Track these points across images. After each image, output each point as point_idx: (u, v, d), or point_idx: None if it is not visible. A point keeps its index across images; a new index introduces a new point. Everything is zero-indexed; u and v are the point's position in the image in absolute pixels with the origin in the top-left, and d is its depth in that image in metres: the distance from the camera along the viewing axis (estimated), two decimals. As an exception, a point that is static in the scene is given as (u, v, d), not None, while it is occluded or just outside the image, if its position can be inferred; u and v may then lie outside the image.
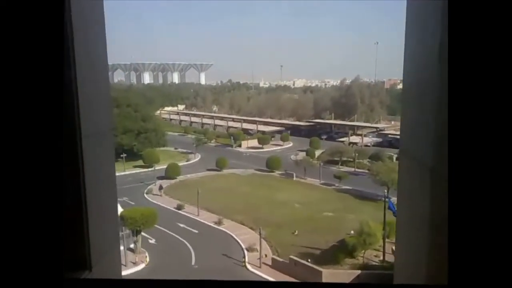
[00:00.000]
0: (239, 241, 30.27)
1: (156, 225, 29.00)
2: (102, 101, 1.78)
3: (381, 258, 25.44)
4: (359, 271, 23.65)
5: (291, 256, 25.58)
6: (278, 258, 26.46)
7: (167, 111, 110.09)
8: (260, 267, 26.16)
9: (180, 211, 36.74)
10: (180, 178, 47.56)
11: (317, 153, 55.56)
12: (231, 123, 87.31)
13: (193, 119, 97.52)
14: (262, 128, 79.38)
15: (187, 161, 57.52)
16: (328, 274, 23.67)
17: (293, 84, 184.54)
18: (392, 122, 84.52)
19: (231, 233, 31.77)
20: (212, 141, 70.57)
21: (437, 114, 1.45)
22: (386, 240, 25.57)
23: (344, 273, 23.95)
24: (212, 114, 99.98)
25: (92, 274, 1.62)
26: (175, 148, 64.60)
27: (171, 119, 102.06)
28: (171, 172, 47.23)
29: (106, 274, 1.84)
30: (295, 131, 76.16)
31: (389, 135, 70.64)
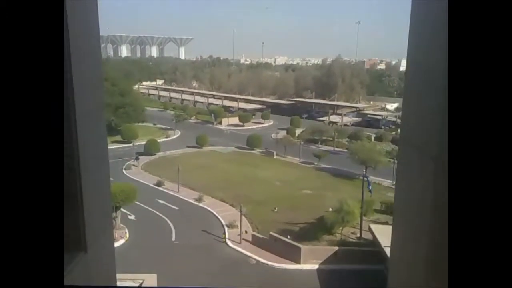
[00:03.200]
0: (219, 217, 30.51)
1: (135, 201, 28.78)
2: (95, 78, 1.73)
3: (358, 235, 26.22)
4: (336, 248, 24.36)
5: (271, 233, 26.02)
6: (258, 235, 26.86)
7: (145, 86, 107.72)
8: (240, 243, 26.54)
9: (160, 188, 36.54)
10: (160, 154, 47.10)
11: (298, 131, 55.91)
12: (211, 100, 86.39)
13: (173, 94, 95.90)
14: (243, 105, 78.99)
15: (166, 137, 56.86)
16: (307, 250, 24.29)
17: (274, 62, 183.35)
18: (371, 102, 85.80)
19: (211, 210, 31.94)
20: (192, 118, 69.78)
21: (443, 102, 1.41)
22: (363, 218, 26.35)
23: (322, 249, 24.63)
24: (192, 90, 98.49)
25: (88, 256, 1.60)
26: (154, 124, 63.63)
27: (149, 94, 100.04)
28: (150, 148, 46.65)
29: (101, 255, 1.83)
30: (276, 109, 76.15)
31: (368, 115, 71.77)
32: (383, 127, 62.94)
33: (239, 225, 27.51)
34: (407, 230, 1.88)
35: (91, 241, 1.61)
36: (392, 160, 39.68)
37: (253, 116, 69.99)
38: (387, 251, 20.77)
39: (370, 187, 27.20)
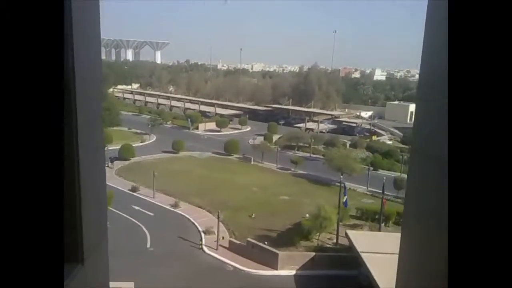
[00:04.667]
0: (196, 224, 30.12)
1: (109, 208, 28.00)
2: (95, 84, 1.68)
3: (334, 241, 26.49)
4: (313, 253, 24.50)
5: (249, 239, 25.90)
6: (235, 241, 26.68)
7: (120, 89, 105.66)
8: (217, 249, 26.26)
9: (134, 193, 35.76)
10: (135, 159, 46.17)
11: (275, 138, 56.21)
12: (188, 105, 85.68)
13: (148, 99, 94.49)
14: (220, 111, 78.73)
15: (141, 142, 55.85)
16: (284, 256, 24.30)
17: (252, 68, 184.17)
18: (346, 110, 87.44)
19: (188, 216, 31.50)
20: (168, 122, 68.92)
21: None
22: (339, 223, 26.66)
23: (300, 255, 24.71)
24: (168, 95, 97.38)
25: (84, 268, 1.57)
26: (129, 128, 62.42)
27: (124, 98, 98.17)
28: (125, 153, 45.65)
29: (97, 267, 1.81)
30: (253, 115, 76.35)
31: (343, 123, 73.10)
32: (357, 134, 64.21)
33: (216, 231, 27.24)
34: (416, 239, 1.88)
35: (87, 253, 1.58)
36: (366, 166, 40.57)
37: (231, 122, 69.88)
38: (363, 256, 21.08)
39: (346, 197, 27.49)
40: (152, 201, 34.21)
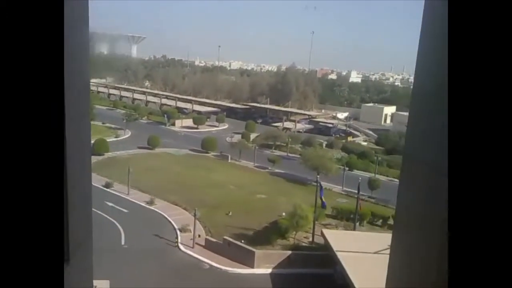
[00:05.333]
0: (171, 221, 29.73)
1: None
2: (83, 80, 1.65)
3: (310, 239, 26.78)
4: (289, 252, 24.67)
5: (225, 237, 25.79)
6: (211, 239, 26.51)
7: (94, 83, 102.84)
8: (193, 247, 26.02)
9: (108, 190, 34.89)
10: (108, 154, 45.08)
11: (252, 136, 56.25)
12: (164, 101, 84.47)
13: (123, 93, 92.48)
14: (197, 108, 78.05)
15: (116, 137, 54.60)
16: (260, 254, 24.36)
17: (229, 66, 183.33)
18: (323, 111, 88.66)
19: (163, 213, 31.05)
20: (143, 118, 67.69)
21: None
22: (316, 222, 26.97)
23: (276, 254, 24.84)
24: (144, 90, 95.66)
25: (70, 267, 1.55)
26: (103, 123, 60.84)
27: (98, 92, 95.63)
28: (98, 148, 44.40)
29: (81, 266, 1.81)
30: (231, 113, 76.12)
31: (320, 123, 74.06)
32: (334, 135, 65.21)
33: (192, 229, 26.98)
34: (407, 242, 1.90)
35: (73, 252, 1.56)
36: (342, 167, 41.24)
37: (208, 119, 69.38)
38: (339, 255, 21.42)
39: (322, 193, 27.81)
40: (127, 198, 33.52)
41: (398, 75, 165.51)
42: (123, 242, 26.00)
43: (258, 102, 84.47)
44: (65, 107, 1.28)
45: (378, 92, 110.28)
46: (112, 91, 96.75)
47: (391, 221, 29.49)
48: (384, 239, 24.34)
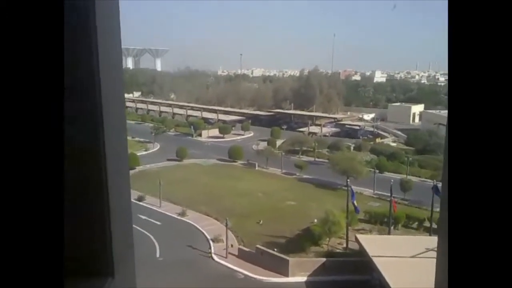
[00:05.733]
0: (204, 232, 30.03)
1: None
2: (118, 90, 1.64)
3: (345, 245, 26.35)
4: (324, 259, 24.36)
5: (258, 246, 25.79)
6: (244, 248, 26.57)
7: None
8: (226, 257, 26.15)
9: (140, 203, 35.68)
10: (139, 168, 46.12)
11: (278, 142, 56.17)
12: (190, 112, 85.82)
13: (150, 106, 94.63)
14: (222, 117, 78.83)
15: (145, 150, 55.90)
16: (294, 263, 24.18)
17: (252, 73, 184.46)
18: (348, 113, 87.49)
19: (195, 224, 31.42)
20: (171, 130, 68.99)
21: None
22: (349, 228, 26.54)
23: (310, 261, 24.58)
24: (170, 102, 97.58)
25: (115, 282, 1.51)
26: (132, 137, 62.40)
27: (126, 107, 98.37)
28: (129, 162, 45.57)
29: (127, 280, 1.76)
30: (255, 120, 76.39)
31: (346, 125, 73.10)
32: (361, 137, 64.17)
33: (224, 239, 27.15)
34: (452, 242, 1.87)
35: (117, 265, 1.52)
36: (372, 169, 40.46)
37: (233, 128, 69.91)
38: (375, 260, 20.96)
39: (355, 202, 27.30)
40: (159, 210, 34.15)
41: (424, 72, 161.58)
42: (158, 255, 26.46)
43: (282, 108, 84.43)
44: (103, 122, 1.31)
45: (404, 91, 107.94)
46: (139, 105, 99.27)
47: (426, 223, 28.63)
48: (420, 242, 23.67)
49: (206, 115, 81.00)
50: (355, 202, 27.08)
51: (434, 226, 27.64)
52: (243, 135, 67.76)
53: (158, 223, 31.65)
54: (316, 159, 49.67)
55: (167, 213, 33.56)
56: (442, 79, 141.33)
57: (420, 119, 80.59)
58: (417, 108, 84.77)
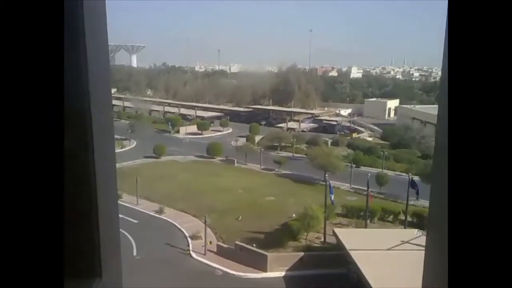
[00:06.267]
0: (182, 229, 29.77)
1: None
2: (106, 89, 1.62)
3: (322, 239, 26.66)
4: (302, 253, 24.58)
5: (237, 242, 25.77)
6: (223, 245, 26.50)
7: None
8: (205, 254, 26.02)
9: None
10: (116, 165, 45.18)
11: (257, 138, 56.22)
12: (167, 108, 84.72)
13: (126, 103, 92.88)
14: (200, 113, 78.21)
15: (121, 147, 54.76)
16: (273, 258, 24.30)
17: (229, 69, 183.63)
18: (326, 108, 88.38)
19: (173, 222, 31.10)
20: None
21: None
22: (326, 222, 26.87)
23: (288, 256, 24.76)
24: (147, 99, 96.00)
25: (103, 283, 1.49)
26: (108, 134, 61.08)
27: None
28: (105, 160, 44.69)
29: (114, 281, 1.74)
30: (234, 116, 76.16)
31: (324, 121, 73.87)
32: (338, 132, 64.99)
33: (203, 236, 26.98)
34: (441, 238, 1.88)
35: (105, 266, 1.49)
36: (349, 164, 41.07)
37: (212, 124, 69.47)
38: (352, 254, 21.30)
39: (333, 196, 27.66)
40: (136, 208, 33.60)
41: (399, 68, 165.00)
42: (135, 253, 26.04)
43: (260, 104, 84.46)
44: (92, 124, 1.28)
45: (380, 87, 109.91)
46: (114, 102, 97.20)
47: (401, 217, 29.31)
48: (396, 235, 24.23)
49: (184, 111, 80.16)
50: (332, 197, 27.44)
51: (409, 219, 28.37)
52: (221, 131, 67.46)
53: (135, 221, 31.13)
54: (295, 155, 50.00)
55: (144, 210, 33.07)
56: (417, 74, 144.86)
57: (395, 114, 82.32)
58: (393, 103, 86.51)
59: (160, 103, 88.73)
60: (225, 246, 26.23)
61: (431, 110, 66.14)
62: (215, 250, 26.32)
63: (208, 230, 27.69)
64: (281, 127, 65.51)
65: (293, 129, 65.70)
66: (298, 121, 69.92)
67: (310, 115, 75.82)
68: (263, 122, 70.84)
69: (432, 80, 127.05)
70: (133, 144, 56.92)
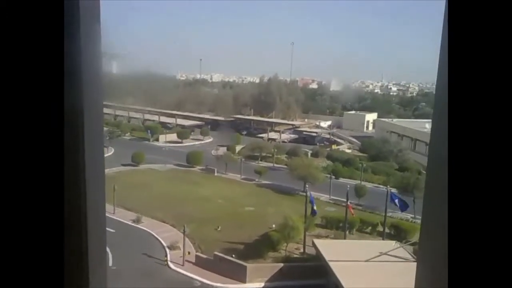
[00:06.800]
0: (160, 239, 29.21)
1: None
2: (99, 98, 1.61)
3: (302, 250, 26.67)
4: (282, 264, 24.50)
5: (216, 253, 25.46)
6: (201, 255, 26.13)
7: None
8: (183, 265, 25.60)
9: (93, 209, 34.09)
10: (92, 173, 44.14)
11: (238, 148, 56.14)
12: (147, 116, 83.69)
13: (105, 110, 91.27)
14: (181, 122, 77.60)
15: (99, 155, 53.58)
16: (252, 269, 24.11)
17: (211, 79, 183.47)
18: (306, 120, 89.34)
19: (151, 231, 30.51)
20: (126, 134, 66.83)
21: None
22: (306, 233, 26.93)
23: (268, 267, 24.62)
24: (127, 106, 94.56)
25: None
26: (85, 141, 59.73)
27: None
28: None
29: None
30: (215, 126, 75.91)
31: (304, 132, 74.56)
32: (318, 143, 65.71)
33: (181, 246, 26.54)
34: (434, 248, 1.89)
35: (92, 277, 1.46)
36: (328, 175, 41.46)
37: (192, 133, 68.98)
38: (331, 265, 21.39)
39: (315, 206, 27.83)
40: (112, 217, 32.75)
41: (378, 82, 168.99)
42: (111, 264, 25.31)
43: (242, 114, 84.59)
44: (84, 131, 1.25)
45: (359, 100, 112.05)
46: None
47: (380, 228, 29.71)
48: (374, 246, 24.51)
49: (164, 119, 79.37)
50: (314, 206, 27.62)
51: (387, 230, 28.78)
52: (202, 140, 67.04)
53: (112, 230, 30.29)
54: (275, 165, 50.13)
55: (121, 220, 32.30)
56: (394, 88, 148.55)
57: (373, 127, 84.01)
58: (371, 117, 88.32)
59: (139, 111, 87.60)
60: (204, 256, 25.87)
61: (408, 124, 67.93)
62: (193, 260, 25.91)
63: (187, 240, 27.28)
64: (262, 137, 65.71)
65: (273, 139, 65.98)
66: (279, 131, 70.31)
67: (290, 126, 76.41)
68: (244, 132, 70.85)
69: (409, 94, 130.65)
70: (111, 151, 55.75)
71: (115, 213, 33.34)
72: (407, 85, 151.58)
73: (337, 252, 22.85)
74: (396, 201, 28.56)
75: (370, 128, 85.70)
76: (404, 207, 28.99)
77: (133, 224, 31.59)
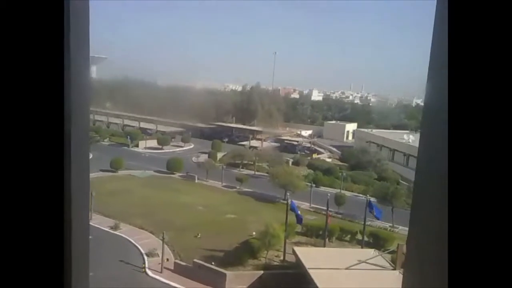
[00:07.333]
0: (138, 246, 28.66)
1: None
2: (85, 103, 1.63)
3: (282, 258, 26.64)
4: (261, 272, 24.39)
5: (195, 260, 25.14)
6: (180, 262, 25.76)
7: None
8: (161, 272, 25.14)
9: (69, 215, 33.19)
10: (69, 178, 43.05)
11: (219, 155, 55.90)
12: (127, 121, 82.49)
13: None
14: (161, 128, 76.79)
15: (76, 160, 52.39)
16: (232, 276, 23.90)
17: (193, 85, 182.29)
18: (287, 129, 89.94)
19: (129, 238, 29.90)
20: (105, 140, 65.62)
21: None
22: (286, 240, 26.94)
23: (248, 274, 24.46)
24: (106, 111, 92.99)
25: None
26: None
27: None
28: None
29: None
30: (196, 132, 75.46)
31: (285, 141, 74.99)
32: (299, 152, 66.16)
33: (160, 253, 26.10)
34: (421, 258, 1.91)
35: (75, 284, 1.43)
36: (309, 183, 41.74)
37: (173, 139, 68.34)
38: (311, 272, 21.43)
39: (297, 210, 28.07)
40: (90, 223, 31.96)
41: (357, 93, 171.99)
42: (86, 271, 24.65)
43: (224, 121, 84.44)
44: (71, 135, 1.22)
45: (339, 110, 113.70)
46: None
47: (359, 236, 30.03)
48: (353, 254, 24.72)
49: (144, 125, 78.39)
50: (299, 211, 27.92)
51: (366, 239, 29.11)
52: (183, 147, 66.49)
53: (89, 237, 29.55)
54: (256, 173, 50.13)
55: (98, 226, 31.50)
56: (374, 100, 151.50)
57: (353, 137, 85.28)
58: (351, 127, 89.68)
59: (118, 116, 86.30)
60: (183, 264, 25.51)
61: (387, 134, 69.29)
62: (172, 268, 25.50)
63: (166, 247, 26.85)
64: (243, 145, 65.69)
65: (255, 147, 66.05)
66: (260, 139, 70.47)
67: (272, 135, 76.73)
68: (226, 139, 70.67)
69: (388, 106, 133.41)
70: (89, 156, 54.54)
71: (92, 219, 32.47)
72: (386, 97, 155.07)
73: (316, 259, 22.94)
74: (374, 210, 29.33)
75: (350, 138, 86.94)
76: (379, 214, 30.14)
77: (110, 231, 30.88)
